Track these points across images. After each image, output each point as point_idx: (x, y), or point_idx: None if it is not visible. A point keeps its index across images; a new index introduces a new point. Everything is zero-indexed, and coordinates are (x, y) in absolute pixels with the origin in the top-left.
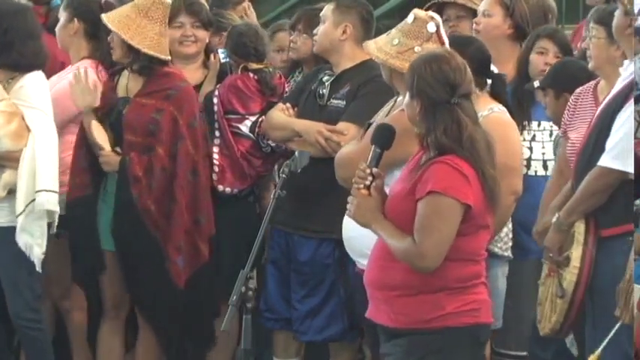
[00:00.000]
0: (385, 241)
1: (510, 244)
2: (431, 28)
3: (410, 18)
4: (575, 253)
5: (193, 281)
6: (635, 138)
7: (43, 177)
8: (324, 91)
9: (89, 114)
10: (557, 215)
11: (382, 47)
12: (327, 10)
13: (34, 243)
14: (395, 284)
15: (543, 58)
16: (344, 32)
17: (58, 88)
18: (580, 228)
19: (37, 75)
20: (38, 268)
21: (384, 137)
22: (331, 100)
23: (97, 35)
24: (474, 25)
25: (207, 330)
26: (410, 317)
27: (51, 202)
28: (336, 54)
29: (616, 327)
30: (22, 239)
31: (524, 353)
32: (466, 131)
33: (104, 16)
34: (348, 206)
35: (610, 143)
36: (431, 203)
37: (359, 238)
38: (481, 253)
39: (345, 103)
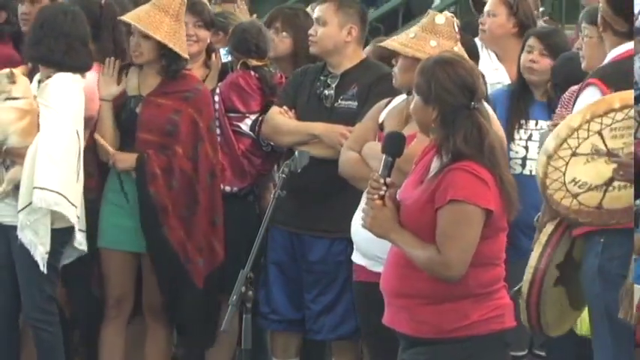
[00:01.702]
0: (404, 251)
1: None
2: (456, 27)
3: (440, 19)
4: (534, 253)
5: (209, 281)
6: (635, 138)
7: (39, 175)
8: (330, 92)
9: (108, 106)
10: (537, 216)
11: (420, 48)
12: (327, 10)
13: (38, 242)
14: (416, 292)
15: (529, 56)
16: (349, 34)
17: None
18: (548, 229)
19: (65, 76)
20: (42, 268)
21: (395, 145)
22: (339, 101)
23: (98, 36)
24: (480, 25)
25: (210, 329)
26: (433, 327)
27: (45, 200)
28: (338, 55)
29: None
30: (25, 236)
31: (523, 353)
32: (487, 137)
33: (138, 24)
34: (363, 217)
35: None
36: (453, 211)
37: (372, 241)
38: (501, 256)
39: (357, 103)
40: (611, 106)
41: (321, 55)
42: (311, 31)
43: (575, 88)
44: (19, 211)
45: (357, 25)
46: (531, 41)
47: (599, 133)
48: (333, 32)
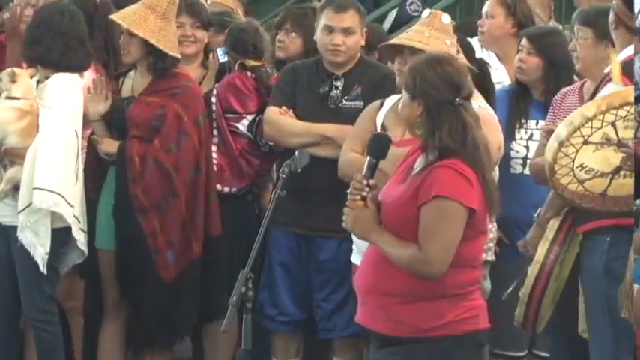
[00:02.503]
0: (385, 252)
1: (493, 248)
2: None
3: (446, 19)
4: (541, 249)
5: (183, 276)
6: (635, 138)
7: (39, 175)
8: (337, 93)
9: (98, 122)
10: (538, 211)
11: (439, 47)
12: (354, 20)
13: (37, 243)
14: (394, 291)
15: (518, 56)
16: (363, 38)
17: None
18: (554, 226)
19: (64, 76)
20: (42, 269)
21: (380, 147)
22: (344, 101)
23: (91, 35)
24: (479, 27)
25: (192, 327)
26: (410, 326)
27: (45, 201)
28: (353, 59)
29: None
30: (25, 237)
31: (523, 353)
32: (470, 132)
33: (123, 22)
34: (345, 218)
35: None
36: (436, 208)
37: None
38: (479, 258)
39: (362, 103)
40: (626, 99)
41: (345, 61)
42: (338, 42)
43: (566, 89)
44: (20, 212)
45: (365, 28)
46: (523, 41)
47: (613, 124)
48: (359, 40)
